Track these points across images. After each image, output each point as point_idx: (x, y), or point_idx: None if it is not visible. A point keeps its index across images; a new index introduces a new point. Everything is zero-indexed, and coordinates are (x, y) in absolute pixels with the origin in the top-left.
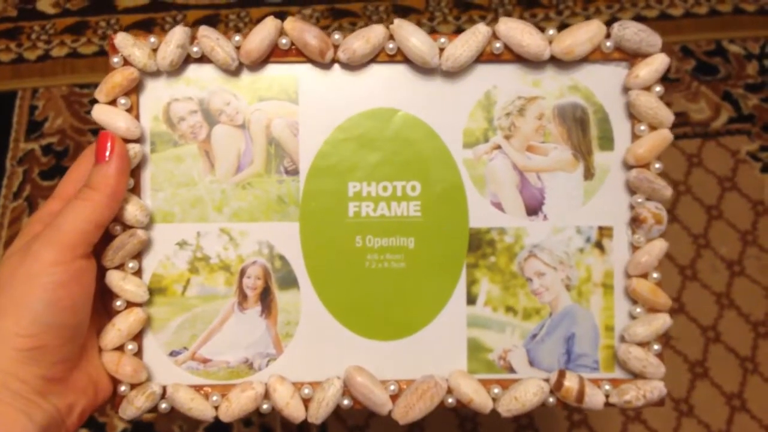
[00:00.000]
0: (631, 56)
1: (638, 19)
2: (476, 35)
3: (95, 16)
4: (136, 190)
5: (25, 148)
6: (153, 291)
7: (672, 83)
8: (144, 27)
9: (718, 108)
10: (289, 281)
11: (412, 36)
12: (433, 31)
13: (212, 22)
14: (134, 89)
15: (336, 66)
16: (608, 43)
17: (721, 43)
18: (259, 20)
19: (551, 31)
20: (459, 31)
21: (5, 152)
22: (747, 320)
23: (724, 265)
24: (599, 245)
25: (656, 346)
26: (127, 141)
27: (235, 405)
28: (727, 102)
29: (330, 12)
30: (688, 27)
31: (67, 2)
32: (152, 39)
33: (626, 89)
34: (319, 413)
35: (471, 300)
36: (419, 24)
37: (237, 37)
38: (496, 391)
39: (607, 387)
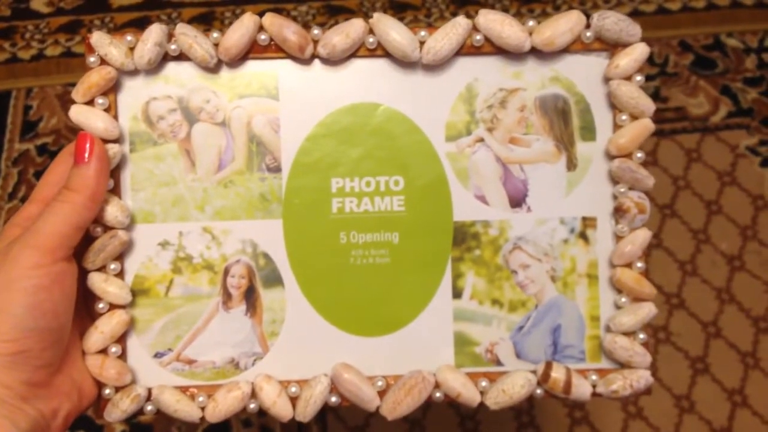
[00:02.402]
0: (611, 46)
1: (636, 13)
2: (456, 28)
3: (89, 14)
4: (116, 190)
5: (20, 148)
6: (136, 292)
7: (670, 78)
8: (138, 25)
9: (716, 102)
10: (274, 279)
11: (391, 30)
12: (428, 26)
13: (207, 19)
14: (112, 89)
15: (316, 61)
16: (588, 33)
17: (719, 37)
18: None
19: (531, 22)
20: None
21: (0, 153)
22: (748, 315)
23: (724, 260)
24: (583, 236)
25: (642, 336)
26: (105, 141)
27: (222, 405)
28: (725, 96)
29: (326, 9)
30: (686, 21)
31: (61, 1)
32: (129, 37)
33: (607, 79)
34: (306, 411)
35: (457, 294)
36: (416, 20)
37: (215, 34)
38: (483, 384)
39: (593, 377)
